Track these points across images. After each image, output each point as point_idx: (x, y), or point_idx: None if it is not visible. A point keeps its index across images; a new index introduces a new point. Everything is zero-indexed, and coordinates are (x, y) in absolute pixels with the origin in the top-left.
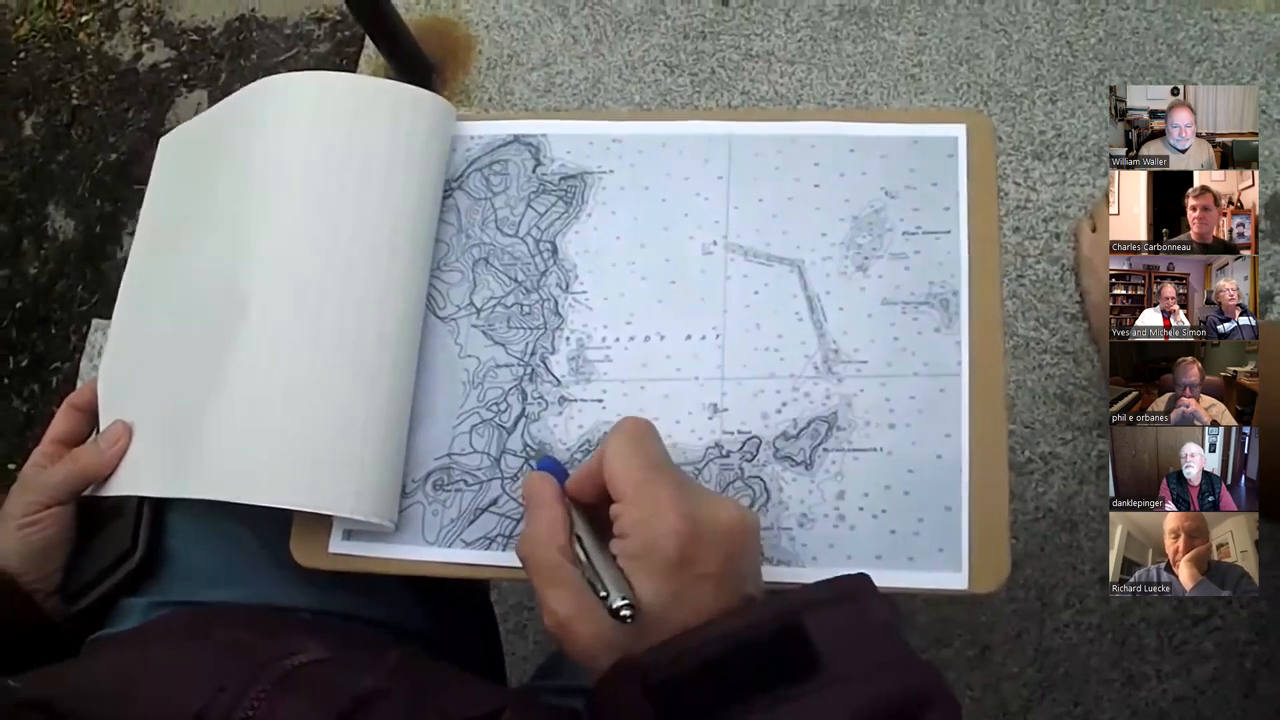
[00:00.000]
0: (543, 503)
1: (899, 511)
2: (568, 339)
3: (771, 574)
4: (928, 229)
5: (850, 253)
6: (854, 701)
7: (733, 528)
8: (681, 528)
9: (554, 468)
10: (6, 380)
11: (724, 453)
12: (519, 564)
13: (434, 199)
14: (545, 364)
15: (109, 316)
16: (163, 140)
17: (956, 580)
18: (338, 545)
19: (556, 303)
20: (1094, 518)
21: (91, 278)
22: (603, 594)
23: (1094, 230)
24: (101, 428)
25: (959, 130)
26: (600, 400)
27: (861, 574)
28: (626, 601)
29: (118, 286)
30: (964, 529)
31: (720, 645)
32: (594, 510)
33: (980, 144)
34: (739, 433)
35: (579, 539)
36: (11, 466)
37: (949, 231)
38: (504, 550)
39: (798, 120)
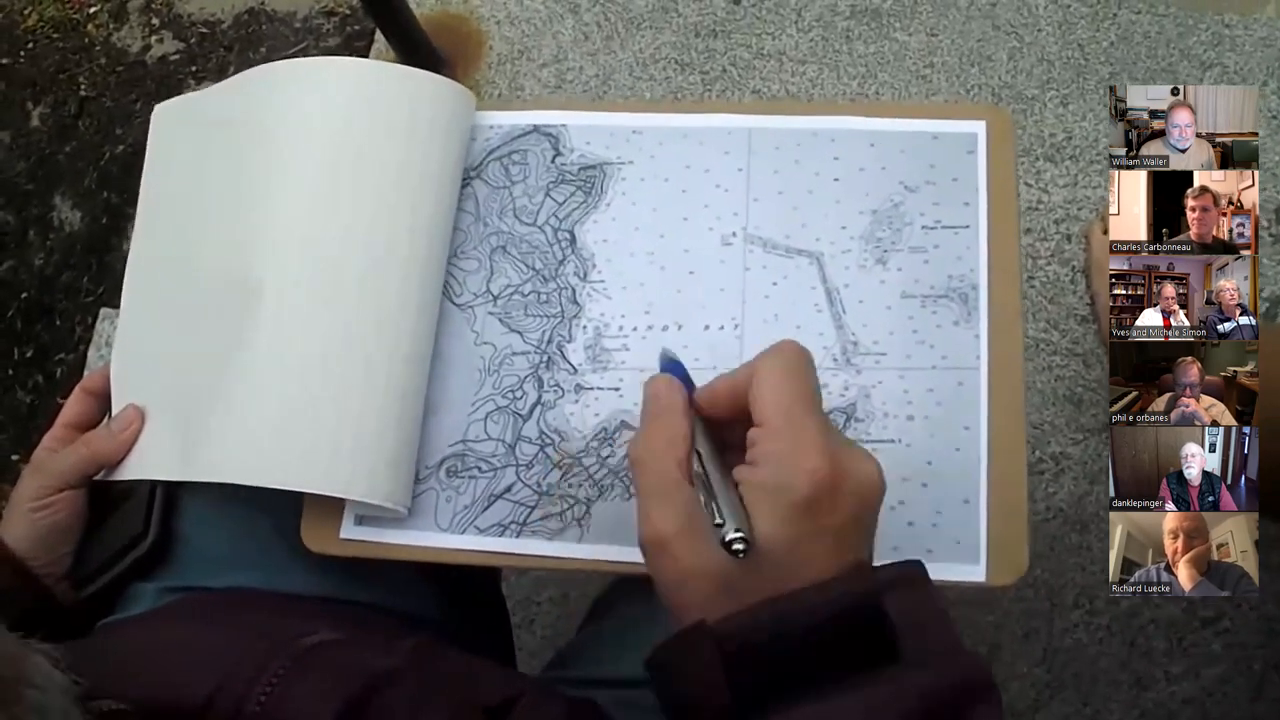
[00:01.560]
0: (669, 410)
1: (917, 503)
2: (585, 328)
3: None
4: (947, 223)
5: (870, 246)
6: (925, 688)
7: (870, 484)
8: (821, 470)
9: (679, 371)
10: (11, 371)
11: None
12: (532, 552)
13: (453, 186)
14: (562, 352)
15: (117, 307)
16: (158, 108)
17: (974, 573)
18: (349, 530)
19: (574, 291)
20: (1104, 518)
21: (97, 269)
22: (718, 522)
23: (1105, 233)
24: (114, 412)
25: (979, 126)
26: (617, 389)
27: (918, 561)
28: (741, 534)
29: (124, 278)
30: (982, 521)
31: (803, 619)
32: (717, 429)
33: (1000, 140)
34: None
35: (699, 455)
36: (15, 458)
37: (968, 226)
38: (518, 537)
39: (818, 114)
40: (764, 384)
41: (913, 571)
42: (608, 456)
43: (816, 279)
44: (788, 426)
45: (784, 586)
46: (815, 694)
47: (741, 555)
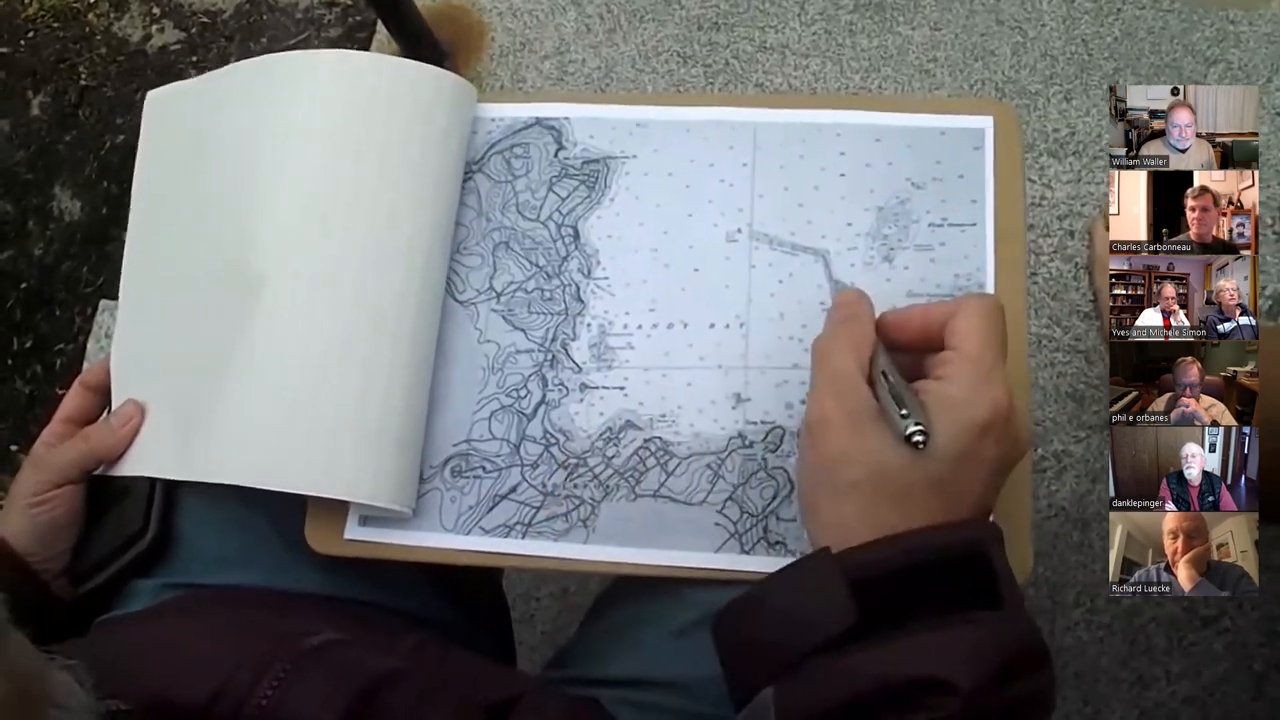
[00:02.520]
0: (859, 316)
1: None
2: (589, 325)
3: None
4: (954, 221)
5: (876, 243)
6: (1019, 634)
7: (1023, 439)
8: (1003, 402)
9: None
10: (10, 362)
11: (747, 443)
12: (538, 553)
13: (454, 180)
14: (566, 350)
15: (116, 298)
16: (150, 95)
17: None
18: (353, 531)
19: (578, 288)
20: (1105, 517)
21: (97, 260)
22: (903, 413)
23: (1108, 229)
24: (114, 407)
25: (986, 122)
26: (622, 388)
27: (995, 523)
28: (922, 427)
29: (121, 270)
30: None
31: (929, 555)
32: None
33: (1007, 136)
34: (762, 423)
35: (885, 360)
36: (14, 448)
37: (975, 224)
38: (523, 538)
39: (824, 108)
40: (970, 316)
41: (1000, 530)
42: (613, 456)
43: (822, 276)
44: (982, 357)
45: (930, 495)
46: (933, 624)
47: (920, 447)
